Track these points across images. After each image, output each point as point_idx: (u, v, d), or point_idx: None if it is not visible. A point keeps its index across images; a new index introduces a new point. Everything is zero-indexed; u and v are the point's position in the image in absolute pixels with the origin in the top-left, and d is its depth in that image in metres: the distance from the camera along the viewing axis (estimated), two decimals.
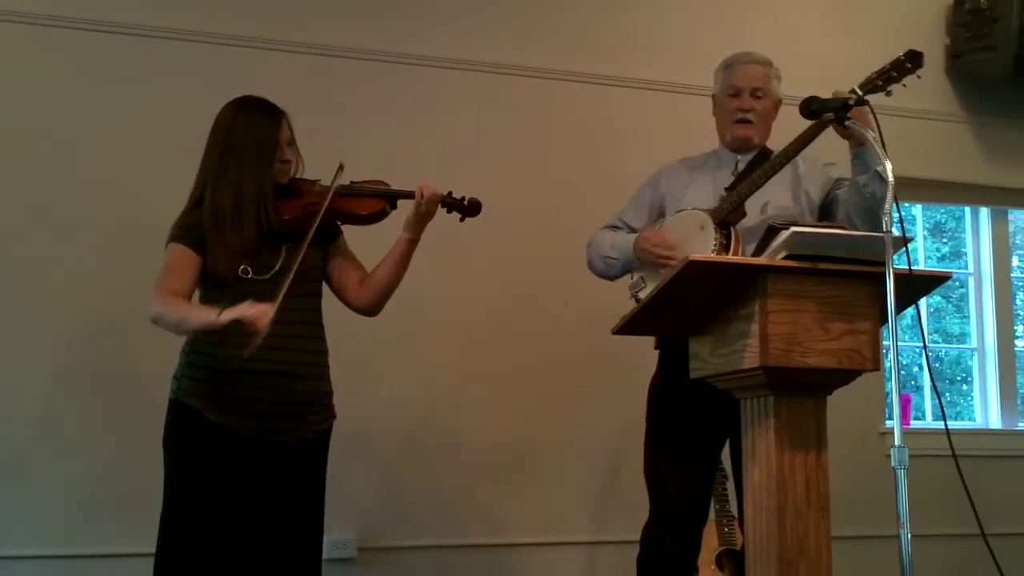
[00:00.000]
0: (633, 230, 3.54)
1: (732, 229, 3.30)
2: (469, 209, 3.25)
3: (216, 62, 4.31)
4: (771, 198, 3.38)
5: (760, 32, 4.77)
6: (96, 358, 4.11)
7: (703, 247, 3.23)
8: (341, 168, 3.10)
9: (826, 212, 3.46)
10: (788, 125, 3.42)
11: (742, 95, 3.49)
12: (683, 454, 3.37)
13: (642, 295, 3.37)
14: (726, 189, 3.40)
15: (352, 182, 3.16)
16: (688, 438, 3.37)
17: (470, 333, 4.55)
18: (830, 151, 3.46)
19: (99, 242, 4.16)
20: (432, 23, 4.67)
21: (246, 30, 4.40)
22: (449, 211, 3.24)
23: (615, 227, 3.61)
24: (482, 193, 3.30)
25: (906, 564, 2.51)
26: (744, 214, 3.32)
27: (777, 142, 3.47)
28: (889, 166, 2.72)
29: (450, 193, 3.22)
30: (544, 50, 4.79)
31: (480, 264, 4.54)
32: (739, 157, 3.53)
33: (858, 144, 3.19)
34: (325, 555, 4.05)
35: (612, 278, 3.59)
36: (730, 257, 3.17)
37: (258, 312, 2.81)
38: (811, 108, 3.08)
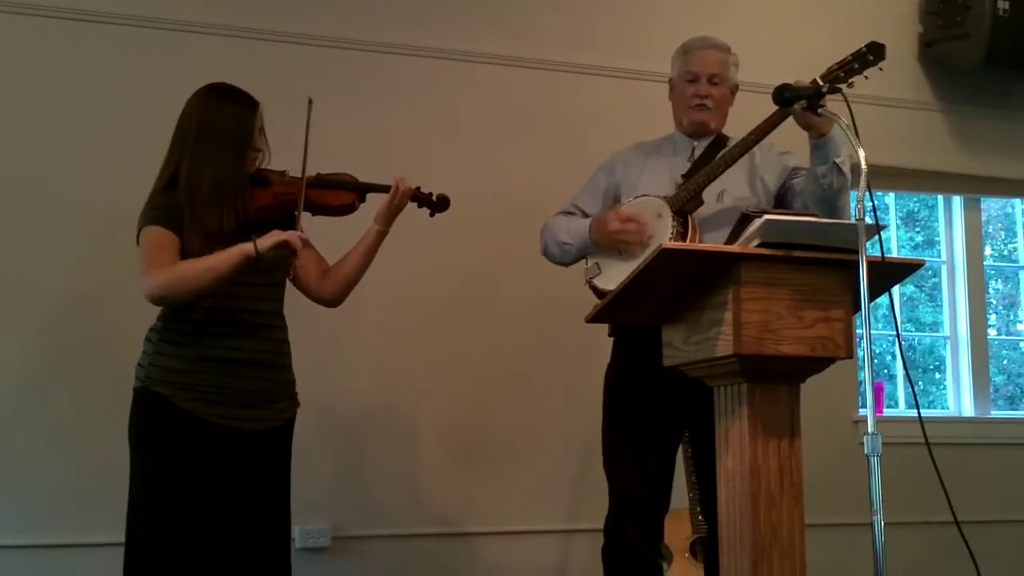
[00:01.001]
0: (587, 216, 3.52)
1: (689, 217, 3.30)
2: (438, 205, 3.29)
3: (183, 50, 4.26)
4: (727, 186, 3.38)
5: (731, 19, 4.77)
6: (69, 348, 4.07)
7: (660, 235, 3.24)
8: (311, 103, 3.07)
9: (781, 201, 3.45)
10: (747, 111, 3.43)
11: (699, 81, 3.47)
12: (641, 443, 3.35)
13: (597, 282, 3.37)
14: (683, 176, 3.39)
15: (319, 174, 3.14)
16: (646, 426, 3.34)
17: (437, 321, 4.52)
18: (787, 141, 3.47)
19: (70, 232, 4.10)
20: (403, 11, 4.63)
21: (211, 18, 4.35)
22: (419, 206, 3.27)
23: (569, 213, 3.59)
24: (450, 182, 3.32)
25: (879, 552, 2.52)
26: (702, 202, 3.32)
27: (733, 128, 3.47)
28: (862, 154, 2.71)
29: (419, 188, 3.24)
30: (516, 38, 4.76)
31: (446, 252, 4.49)
32: (695, 143, 3.52)
33: (818, 135, 3.19)
34: (299, 544, 4.05)
35: (567, 264, 3.57)
36: (703, 245, 3.17)
37: (292, 234, 2.91)
38: (784, 96, 3.07)
